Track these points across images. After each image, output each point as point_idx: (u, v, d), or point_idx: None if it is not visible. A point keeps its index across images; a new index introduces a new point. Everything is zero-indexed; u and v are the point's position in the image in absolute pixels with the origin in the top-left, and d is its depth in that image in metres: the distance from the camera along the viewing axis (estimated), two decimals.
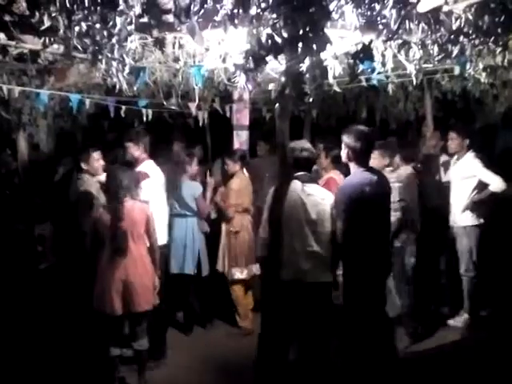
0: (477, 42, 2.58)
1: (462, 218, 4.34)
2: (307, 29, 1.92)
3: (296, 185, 3.10)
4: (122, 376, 3.57)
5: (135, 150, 4.09)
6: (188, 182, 4.40)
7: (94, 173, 4.06)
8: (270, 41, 1.95)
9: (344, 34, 2.67)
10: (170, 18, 2.40)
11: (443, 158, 4.98)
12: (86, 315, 3.83)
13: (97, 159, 4.09)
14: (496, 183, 4.16)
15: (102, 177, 4.04)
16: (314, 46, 2.05)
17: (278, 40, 1.94)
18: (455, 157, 4.51)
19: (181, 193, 4.35)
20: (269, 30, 2.02)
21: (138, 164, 4.05)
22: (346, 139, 3.07)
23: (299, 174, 3.15)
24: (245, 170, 4.58)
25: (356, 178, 3.04)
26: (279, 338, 3.09)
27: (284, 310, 3.06)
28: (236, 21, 2.05)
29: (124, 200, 3.33)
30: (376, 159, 3.87)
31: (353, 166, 3.10)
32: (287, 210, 2.94)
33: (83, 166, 4.06)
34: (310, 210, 3.09)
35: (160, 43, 2.69)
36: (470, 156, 4.35)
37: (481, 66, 3.21)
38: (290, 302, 3.08)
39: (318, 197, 3.15)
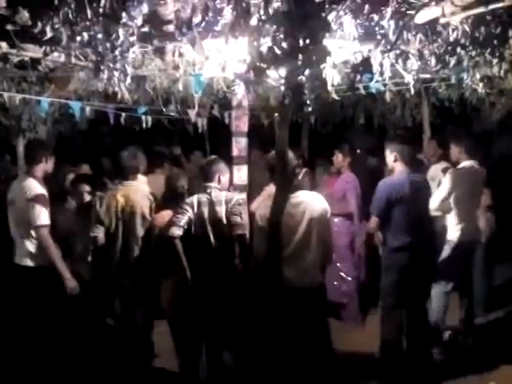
0: (473, 53, 2.61)
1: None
2: (307, 41, 1.95)
3: None
4: None
5: None
6: None
7: None
8: (270, 53, 1.98)
9: (342, 44, 2.70)
10: (171, 28, 2.42)
11: (443, 164, 4.92)
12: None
13: None
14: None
15: None
16: (314, 58, 2.08)
17: (278, 52, 1.97)
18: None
19: None
20: (269, 42, 2.05)
21: None
22: (400, 146, 3.64)
23: None
24: None
25: (410, 176, 3.65)
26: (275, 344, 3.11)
27: (279, 316, 3.08)
28: (237, 32, 2.07)
29: None
30: None
31: (404, 167, 3.65)
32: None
33: None
34: (298, 214, 3.12)
35: (160, 51, 2.71)
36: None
37: (477, 76, 3.24)
38: (284, 308, 3.10)
39: (306, 201, 3.18)
